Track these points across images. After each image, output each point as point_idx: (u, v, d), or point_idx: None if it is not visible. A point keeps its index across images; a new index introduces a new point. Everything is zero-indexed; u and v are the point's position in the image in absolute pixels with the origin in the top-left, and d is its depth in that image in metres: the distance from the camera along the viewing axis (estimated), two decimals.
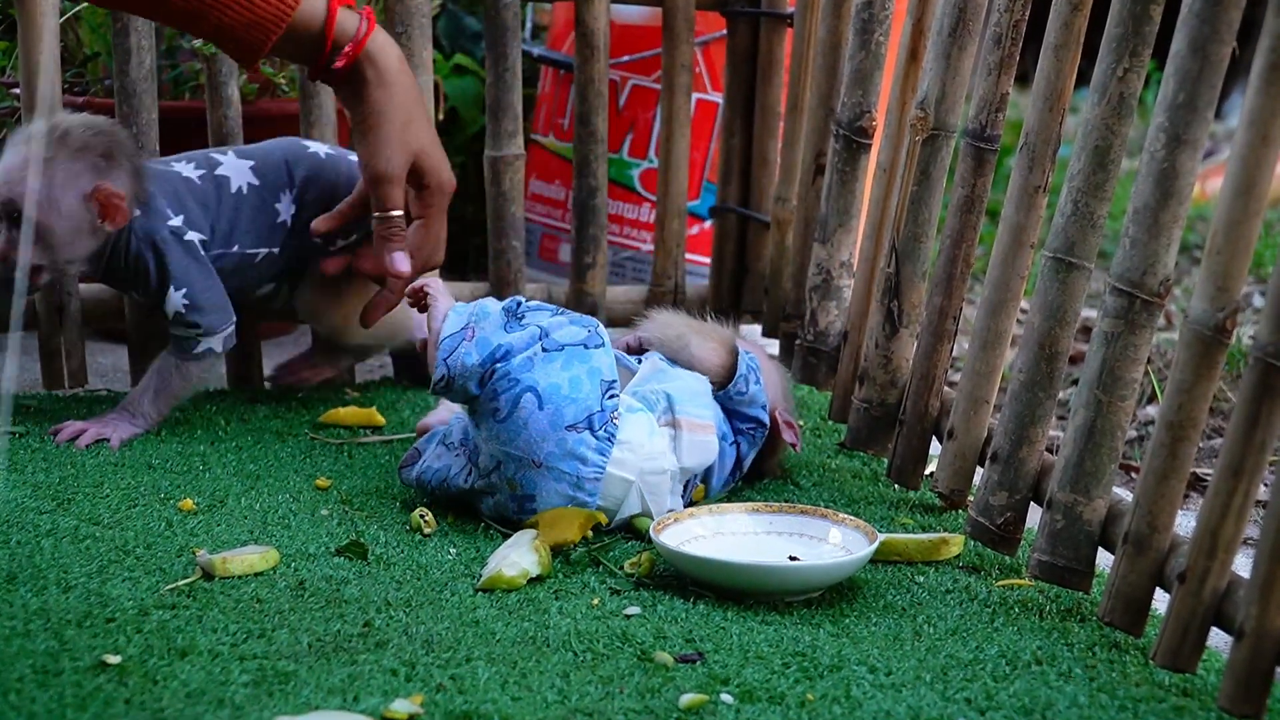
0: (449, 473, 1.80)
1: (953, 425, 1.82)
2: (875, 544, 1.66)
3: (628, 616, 1.56)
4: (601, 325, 1.80)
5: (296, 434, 2.08)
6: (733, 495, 1.92)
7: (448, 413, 1.93)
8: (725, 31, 2.51)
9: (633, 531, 1.78)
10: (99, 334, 2.57)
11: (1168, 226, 1.50)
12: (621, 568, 1.68)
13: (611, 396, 1.75)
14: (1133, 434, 2.41)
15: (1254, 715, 1.33)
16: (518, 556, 1.63)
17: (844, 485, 1.99)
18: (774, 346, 2.45)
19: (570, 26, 2.68)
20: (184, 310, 2.00)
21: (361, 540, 1.69)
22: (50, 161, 1.91)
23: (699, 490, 1.86)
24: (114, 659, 1.39)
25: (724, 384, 1.89)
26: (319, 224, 2.04)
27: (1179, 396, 1.44)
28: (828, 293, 2.14)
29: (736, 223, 2.53)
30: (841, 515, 1.73)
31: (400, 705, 1.33)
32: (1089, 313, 2.80)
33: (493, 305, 1.80)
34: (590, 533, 1.73)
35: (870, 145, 2.10)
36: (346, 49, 1.88)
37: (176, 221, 2.00)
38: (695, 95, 2.61)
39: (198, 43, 2.21)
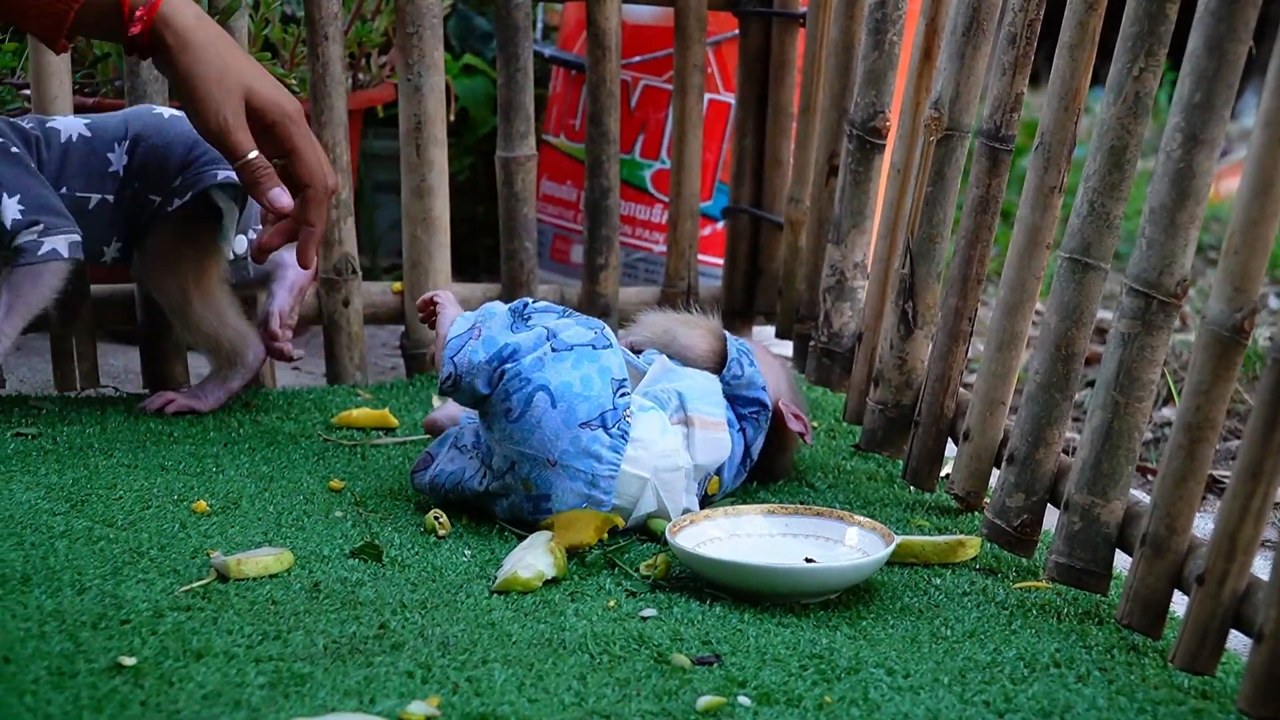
0: (463, 476, 1.79)
1: (968, 427, 1.82)
2: (892, 546, 1.65)
3: (644, 619, 1.55)
4: (608, 327, 1.80)
5: (310, 436, 2.07)
6: (748, 497, 1.92)
7: (456, 409, 1.92)
8: (737, 31, 2.50)
9: (648, 534, 1.77)
10: (110, 336, 2.57)
11: (1184, 227, 1.49)
12: (637, 570, 1.67)
13: (623, 395, 1.75)
14: (1149, 436, 2.40)
15: (1274, 718, 1.33)
16: (533, 558, 1.63)
17: (859, 487, 1.98)
18: (788, 348, 2.44)
19: (581, 27, 2.67)
20: (20, 215, 1.99)
21: (376, 542, 1.69)
22: None
23: (713, 482, 1.85)
24: (129, 661, 1.39)
25: (717, 370, 1.89)
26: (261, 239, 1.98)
27: (1196, 398, 1.44)
28: (842, 294, 2.13)
29: (749, 224, 2.53)
30: (858, 517, 1.73)
31: (416, 707, 1.33)
32: (1105, 314, 2.79)
33: (499, 307, 1.80)
34: (606, 535, 1.73)
35: (884, 146, 2.10)
36: (139, 14, 1.85)
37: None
38: (707, 96, 2.60)
39: None
